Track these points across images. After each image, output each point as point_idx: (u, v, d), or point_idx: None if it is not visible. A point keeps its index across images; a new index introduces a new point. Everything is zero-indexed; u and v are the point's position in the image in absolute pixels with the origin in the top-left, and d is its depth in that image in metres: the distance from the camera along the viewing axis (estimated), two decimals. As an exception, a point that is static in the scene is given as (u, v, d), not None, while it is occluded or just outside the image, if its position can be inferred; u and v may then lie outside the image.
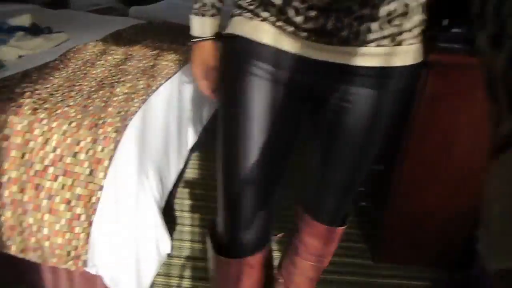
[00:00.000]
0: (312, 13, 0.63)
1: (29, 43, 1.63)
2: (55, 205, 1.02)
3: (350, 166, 0.82)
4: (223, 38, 0.78)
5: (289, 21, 0.66)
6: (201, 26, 0.87)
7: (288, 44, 0.69)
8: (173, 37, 1.98)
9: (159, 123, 1.32)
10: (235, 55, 0.75)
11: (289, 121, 0.78)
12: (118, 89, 1.29)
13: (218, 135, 0.79)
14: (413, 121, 1.32)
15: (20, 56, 1.55)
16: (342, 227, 0.95)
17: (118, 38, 1.90)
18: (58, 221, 1.02)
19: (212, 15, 0.86)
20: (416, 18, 0.67)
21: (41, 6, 2.59)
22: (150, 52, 1.73)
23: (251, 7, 0.70)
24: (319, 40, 0.65)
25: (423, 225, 1.48)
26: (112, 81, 1.36)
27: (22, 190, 1.02)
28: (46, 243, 1.02)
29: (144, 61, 1.62)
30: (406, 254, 1.56)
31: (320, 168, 0.85)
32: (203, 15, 0.85)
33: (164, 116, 1.36)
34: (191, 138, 1.68)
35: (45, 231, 1.02)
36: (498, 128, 0.19)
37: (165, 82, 1.43)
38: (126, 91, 1.29)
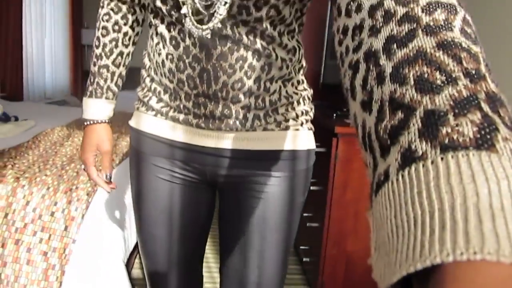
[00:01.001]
0: (201, 99, 0.67)
1: (0, 128, 1.92)
2: (32, 256, 1.24)
3: (252, 258, 0.78)
4: (130, 128, 0.83)
5: (180, 108, 0.70)
6: (95, 108, 0.83)
7: (181, 135, 0.73)
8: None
9: (123, 191, 1.61)
10: (136, 150, 0.81)
11: (195, 212, 0.82)
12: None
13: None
14: (332, 180, 1.73)
15: (-9, 140, 1.83)
16: None
17: (80, 124, 2.24)
18: (34, 271, 1.23)
19: (107, 98, 0.84)
20: (300, 108, 0.74)
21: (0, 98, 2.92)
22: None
23: (146, 99, 0.76)
24: (208, 126, 0.69)
25: (355, 269, 1.80)
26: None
27: (3, 245, 1.24)
28: (22, 292, 1.21)
29: (110, 149, 1.96)
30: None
31: (228, 262, 0.82)
32: (97, 97, 0.83)
33: (126, 185, 1.66)
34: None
35: (22, 280, 1.22)
36: (376, 170, 0.23)
37: (127, 158, 1.77)
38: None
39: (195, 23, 0.60)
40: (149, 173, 0.78)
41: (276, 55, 0.66)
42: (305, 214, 2.10)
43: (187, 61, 0.65)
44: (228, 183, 0.77)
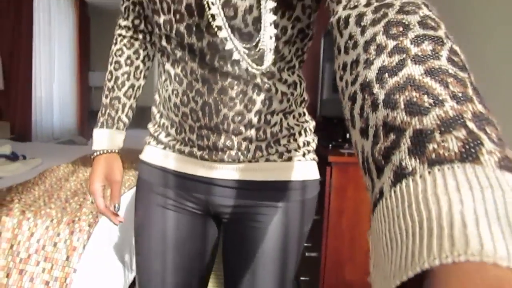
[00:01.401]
0: (204, 131, 0.70)
1: (9, 167, 2.04)
2: (35, 286, 1.30)
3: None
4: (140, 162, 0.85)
5: (186, 140, 0.74)
6: (106, 138, 0.86)
7: (186, 166, 0.76)
8: (133, 159, 2.47)
9: (124, 221, 1.69)
10: (143, 182, 0.83)
11: (196, 243, 0.83)
12: (89, 197, 1.69)
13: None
14: (328, 209, 1.79)
15: (0, 178, 1.93)
16: None
17: (85, 161, 2.35)
18: (37, 300, 1.29)
19: (117, 128, 0.87)
20: (302, 139, 0.76)
21: (10, 140, 3.07)
22: (114, 170, 2.19)
23: (156, 134, 0.80)
24: (212, 158, 0.71)
25: (354, 300, 1.82)
26: (84, 190, 1.76)
27: (8, 275, 1.31)
28: (24, 321, 1.27)
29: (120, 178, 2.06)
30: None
31: None
32: (109, 127, 0.85)
33: (128, 216, 1.74)
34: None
35: (25, 309, 1.28)
36: (373, 191, 0.25)
37: (128, 191, 1.86)
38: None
39: (254, 65, 0.63)
40: (151, 202, 0.81)
41: (276, 89, 0.68)
42: (304, 244, 2.14)
43: (190, 95, 0.68)
44: (230, 214, 0.78)
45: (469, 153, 0.20)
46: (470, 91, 0.25)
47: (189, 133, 0.73)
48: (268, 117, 0.70)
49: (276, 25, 0.62)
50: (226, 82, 0.65)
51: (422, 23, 0.30)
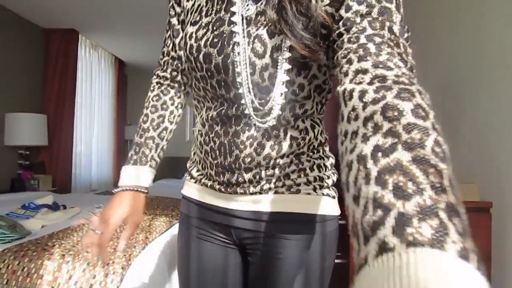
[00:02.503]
0: (220, 169, 0.78)
1: (50, 216, 2.23)
2: (72, 325, 1.41)
3: None
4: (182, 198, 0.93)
5: (208, 175, 0.83)
6: (138, 174, 0.87)
7: (207, 197, 0.85)
8: (164, 206, 2.62)
9: (155, 264, 1.79)
10: (182, 214, 0.93)
11: (232, 273, 0.88)
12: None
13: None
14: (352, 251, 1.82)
15: (43, 226, 2.11)
16: None
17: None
18: None
19: (150, 166, 0.90)
20: (313, 174, 0.78)
21: (51, 192, 3.32)
22: (147, 217, 2.33)
23: (190, 169, 0.91)
24: (227, 190, 0.79)
25: None
26: (118, 235, 1.90)
27: (48, 316, 1.42)
28: None
29: (142, 222, 2.19)
30: None
31: None
32: (142, 165, 0.88)
33: (159, 260, 1.84)
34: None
35: None
36: (359, 255, 0.30)
37: (159, 236, 1.98)
38: (129, 242, 1.82)
39: (259, 119, 0.72)
40: (185, 233, 0.89)
41: (285, 135, 0.74)
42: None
43: (210, 136, 0.78)
44: (250, 244, 0.82)
45: (437, 241, 0.26)
46: (446, 182, 0.31)
47: (210, 169, 0.81)
48: (278, 160, 0.75)
49: (292, 83, 0.70)
50: (238, 127, 0.74)
51: (414, 112, 0.37)
